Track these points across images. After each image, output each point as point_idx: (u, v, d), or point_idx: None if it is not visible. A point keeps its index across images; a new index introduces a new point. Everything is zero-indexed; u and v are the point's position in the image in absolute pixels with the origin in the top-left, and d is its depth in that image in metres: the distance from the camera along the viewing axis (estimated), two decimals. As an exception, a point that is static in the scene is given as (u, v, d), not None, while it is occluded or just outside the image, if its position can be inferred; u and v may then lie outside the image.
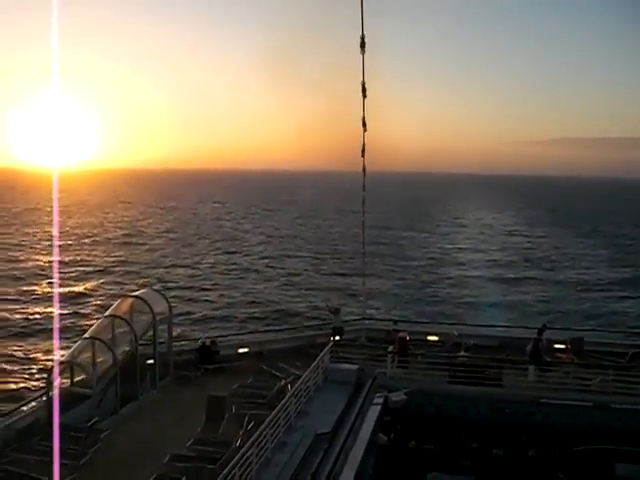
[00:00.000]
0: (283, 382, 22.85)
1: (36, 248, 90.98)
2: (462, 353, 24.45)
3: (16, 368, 37.33)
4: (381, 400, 21.19)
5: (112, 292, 57.42)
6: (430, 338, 28.08)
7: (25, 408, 20.48)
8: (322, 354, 23.00)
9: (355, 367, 23.10)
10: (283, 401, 18.87)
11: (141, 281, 65.11)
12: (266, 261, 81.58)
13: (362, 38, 26.36)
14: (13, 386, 34.48)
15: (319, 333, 28.94)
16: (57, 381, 19.54)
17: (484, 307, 55.65)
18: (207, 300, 57.54)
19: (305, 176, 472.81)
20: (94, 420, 18.75)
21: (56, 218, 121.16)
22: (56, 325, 45.64)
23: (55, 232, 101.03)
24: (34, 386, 33.07)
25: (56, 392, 18.82)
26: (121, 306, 23.72)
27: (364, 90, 26.90)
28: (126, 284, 64.04)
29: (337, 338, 26.63)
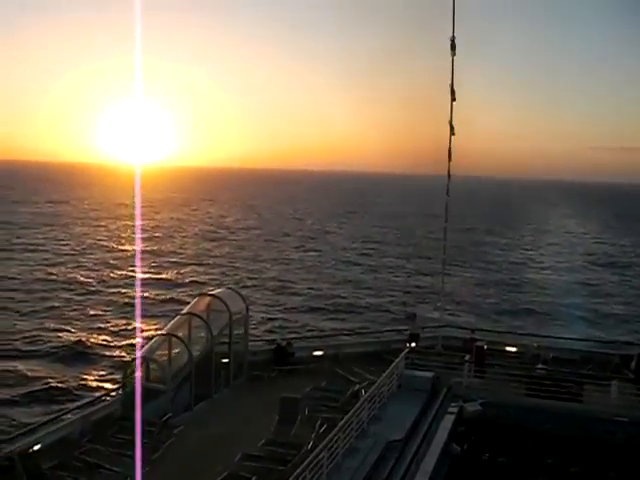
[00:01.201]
0: (357, 387, 22.63)
1: (120, 242, 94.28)
2: (541, 366, 23.80)
3: (94, 361, 38.36)
4: (456, 410, 20.82)
5: (193, 289, 58.38)
6: (508, 349, 27.38)
7: (101, 401, 21.00)
8: (397, 360, 22.72)
9: (430, 375, 22.76)
10: (356, 406, 18.71)
11: (224, 278, 66.59)
12: (346, 263, 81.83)
13: (452, 40, 26.03)
14: (90, 378, 35.37)
15: (395, 339, 28.66)
16: (137, 375, 19.91)
17: (566, 317, 54.23)
18: (285, 300, 57.83)
19: (388, 178, 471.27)
20: (168, 416, 19.02)
21: (138, 212, 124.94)
22: (137, 318, 46.72)
23: (138, 227, 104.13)
24: (110, 379, 33.83)
25: (138, 386, 19.12)
26: (198, 304, 24.00)
27: (452, 93, 26.51)
28: (211, 279, 65.64)
29: (413, 344, 26.29)
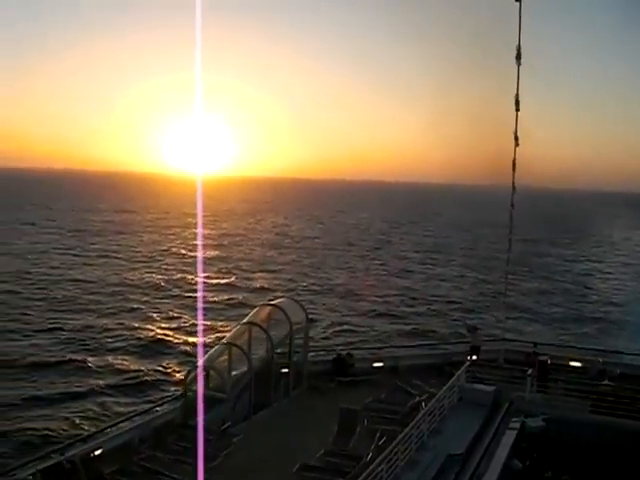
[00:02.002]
0: (417, 399, 22.40)
1: (189, 249, 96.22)
2: (607, 382, 23.14)
3: (155, 368, 38.84)
4: (518, 425, 20.39)
5: (259, 296, 58.89)
6: (572, 364, 26.66)
7: (161, 408, 21.19)
8: (458, 373, 22.41)
9: (492, 389, 22.36)
10: (416, 418, 18.51)
11: (289, 286, 67.49)
12: (409, 273, 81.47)
13: (518, 49, 25.65)
14: (151, 386, 35.85)
15: (455, 351, 28.30)
16: (198, 383, 20.10)
17: (635, 331, 52.70)
18: (347, 310, 57.67)
19: (451, 189, 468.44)
20: (227, 424, 19.12)
21: (200, 220, 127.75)
22: (199, 327, 47.33)
23: (200, 236, 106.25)
24: (171, 387, 34.23)
25: (200, 393, 19.28)
26: (259, 314, 24.08)
27: (517, 103, 26.09)
28: (275, 287, 66.34)
29: (474, 357, 25.92)
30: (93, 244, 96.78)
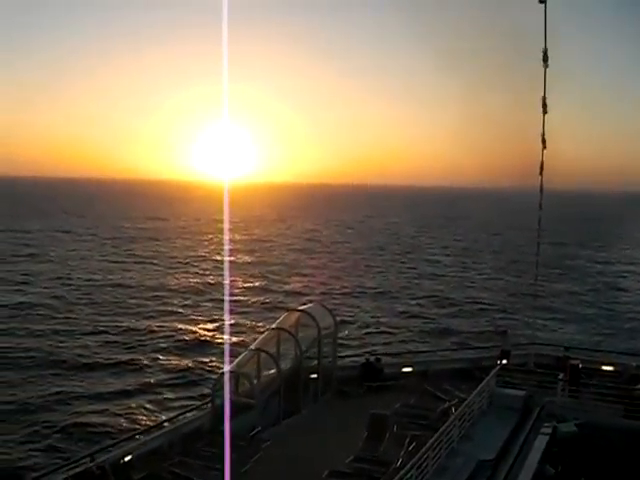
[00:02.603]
0: (447, 404, 22.16)
1: (219, 257, 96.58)
2: (640, 386, 22.78)
3: (184, 374, 39.03)
4: (549, 430, 20.07)
5: (293, 300, 59.22)
6: (605, 368, 26.26)
7: (191, 414, 21.22)
8: (488, 378, 22.13)
9: (522, 393, 22.06)
10: (446, 424, 18.32)
11: (320, 291, 67.46)
12: (438, 276, 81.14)
13: (544, 52, 25.38)
14: (180, 391, 35.95)
15: (485, 355, 28.00)
16: (226, 389, 20.08)
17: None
18: (376, 314, 57.43)
19: (479, 192, 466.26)
20: (256, 430, 19.07)
21: (227, 227, 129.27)
22: (226, 334, 47.47)
23: (227, 241, 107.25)
24: (200, 393, 34.24)
25: (227, 400, 19.30)
26: (287, 319, 24.02)
27: (544, 106, 25.79)
28: (305, 292, 66.45)
29: (504, 362, 25.63)
30: (129, 250, 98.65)
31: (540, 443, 19.17)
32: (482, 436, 19.46)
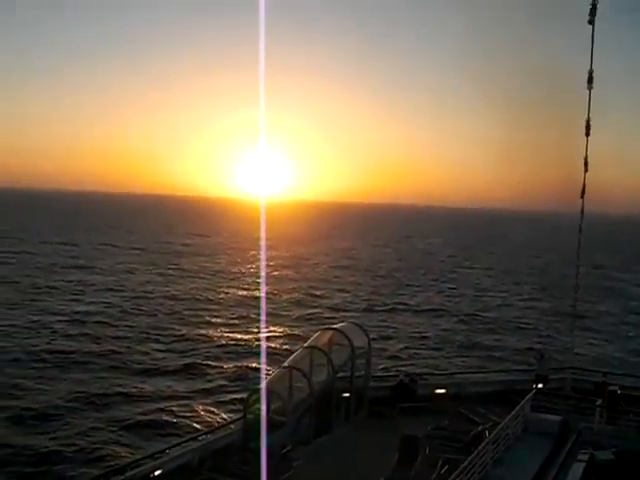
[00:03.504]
0: (481, 427, 21.76)
1: (263, 272, 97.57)
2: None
3: (217, 390, 39.04)
4: (586, 457, 19.52)
5: (319, 322, 58.74)
6: None
7: (222, 430, 21.16)
8: (523, 402, 21.68)
9: (558, 419, 21.55)
10: (480, 447, 17.98)
11: (355, 308, 67.72)
12: (477, 297, 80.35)
13: (590, 73, 25.11)
14: (212, 407, 35.86)
15: (521, 379, 27.49)
16: (259, 406, 19.94)
17: None
18: (411, 334, 56.90)
19: (520, 214, 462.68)
20: (287, 448, 18.89)
21: (263, 244, 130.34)
22: (262, 351, 47.45)
23: (263, 260, 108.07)
24: (232, 409, 34.26)
25: (260, 416, 19.16)
26: (321, 338, 23.80)
27: (588, 128, 25.45)
28: (348, 308, 66.86)
29: (540, 386, 25.14)
30: (175, 264, 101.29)
31: (576, 471, 18.66)
32: (516, 461, 19.04)
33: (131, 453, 27.95)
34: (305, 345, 23.44)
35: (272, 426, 19.56)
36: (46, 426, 31.84)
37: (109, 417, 33.39)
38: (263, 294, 73.57)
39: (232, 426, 21.35)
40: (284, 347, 48.15)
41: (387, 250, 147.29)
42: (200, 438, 20.40)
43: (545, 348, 40.58)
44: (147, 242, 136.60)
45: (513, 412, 20.61)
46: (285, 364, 22.36)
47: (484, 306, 73.12)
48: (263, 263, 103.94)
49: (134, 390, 37.78)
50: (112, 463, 25.34)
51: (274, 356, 43.94)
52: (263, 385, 21.05)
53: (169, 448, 19.59)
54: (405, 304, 72.06)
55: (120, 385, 38.43)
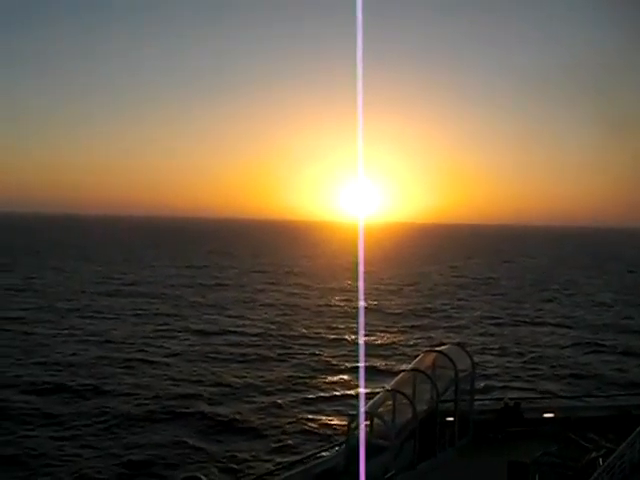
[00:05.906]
0: (594, 454, 20.65)
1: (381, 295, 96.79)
2: None
3: (318, 414, 38.48)
4: None
5: (422, 344, 57.74)
6: None
7: (324, 454, 20.87)
8: None
9: None
10: (593, 476, 17.01)
11: (462, 331, 66.56)
12: (589, 319, 76.77)
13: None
14: (314, 432, 35.31)
15: (636, 404, 26.01)
16: (361, 430, 19.58)
17: None
18: (517, 356, 55.02)
19: (626, 231, 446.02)
20: (391, 473, 18.41)
21: (362, 268, 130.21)
22: (361, 372, 46.80)
23: (361, 282, 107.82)
24: (334, 433, 33.85)
25: (363, 440, 18.74)
26: (424, 360, 23.26)
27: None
28: (445, 334, 65.04)
29: None
30: (295, 283, 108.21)
31: None
32: None
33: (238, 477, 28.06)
34: (408, 368, 22.95)
35: (375, 450, 19.16)
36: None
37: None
38: (363, 323, 72.32)
39: (336, 450, 21.07)
40: (376, 373, 47.34)
41: (499, 269, 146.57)
42: (303, 462, 20.20)
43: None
44: (246, 264, 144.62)
45: (629, 439, 19.45)
46: (388, 387, 21.97)
47: (591, 330, 69.31)
48: (361, 284, 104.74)
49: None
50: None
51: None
52: (366, 408, 20.73)
53: (272, 472, 19.48)
54: (505, 329, 69.59)
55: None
